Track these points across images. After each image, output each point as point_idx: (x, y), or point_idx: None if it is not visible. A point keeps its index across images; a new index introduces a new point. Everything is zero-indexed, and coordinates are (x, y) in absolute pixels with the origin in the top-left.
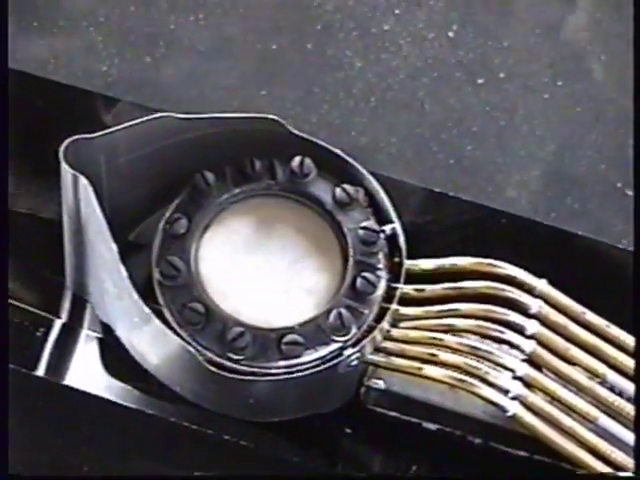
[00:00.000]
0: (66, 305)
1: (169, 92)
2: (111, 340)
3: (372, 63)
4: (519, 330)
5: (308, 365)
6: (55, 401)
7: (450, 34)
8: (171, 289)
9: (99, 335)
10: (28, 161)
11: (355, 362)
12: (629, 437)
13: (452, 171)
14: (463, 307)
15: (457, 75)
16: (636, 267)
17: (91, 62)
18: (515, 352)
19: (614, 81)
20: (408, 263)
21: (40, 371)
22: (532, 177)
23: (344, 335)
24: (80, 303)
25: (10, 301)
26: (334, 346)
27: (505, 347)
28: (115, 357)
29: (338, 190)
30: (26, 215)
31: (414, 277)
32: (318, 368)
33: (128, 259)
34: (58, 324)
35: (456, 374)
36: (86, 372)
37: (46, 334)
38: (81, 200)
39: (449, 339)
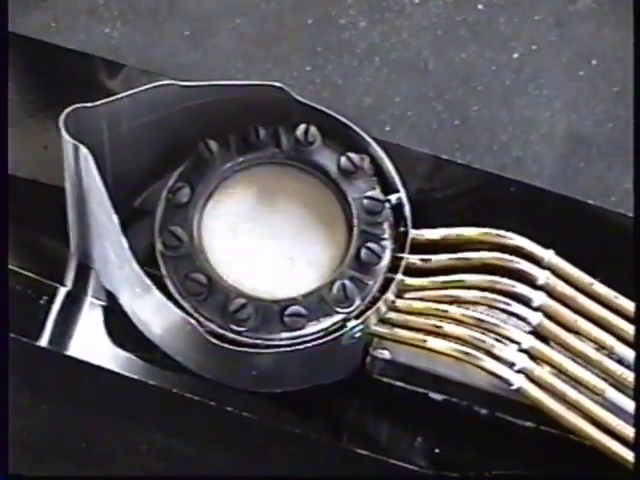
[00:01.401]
0: (70, 272)
1: (172, 55)
2: (116, 308)
3: (376, 22)
4: (526, 302)
5: (311, 337)
6: (58, 371)
7: None
8: (173, 259)
9: (104, 303)
10: (32, 128)
11: (359, 334)
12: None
13: (457, 131)
14: (469, 278)
15: (461, 34)
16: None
17: (93, 25)
18: (521, 324)
19: (621, 39)
20: (413, 233)
21: (44, 340)
22: (538, 136)
23: (348, 307)
24: (84, 270)
25: (13, 268)
26: (337, 317)
27: (511, 319)
28: (119, 326)
29: (343, 158)
30: (30, 182)
31: (419, 247)
32: (321, 340)
33: (132, 226)
34: (62, 292)
35: (461, 347)
36: (90, 341)
37: (50, 302)
38: (82, 169)
39: (454, 310)
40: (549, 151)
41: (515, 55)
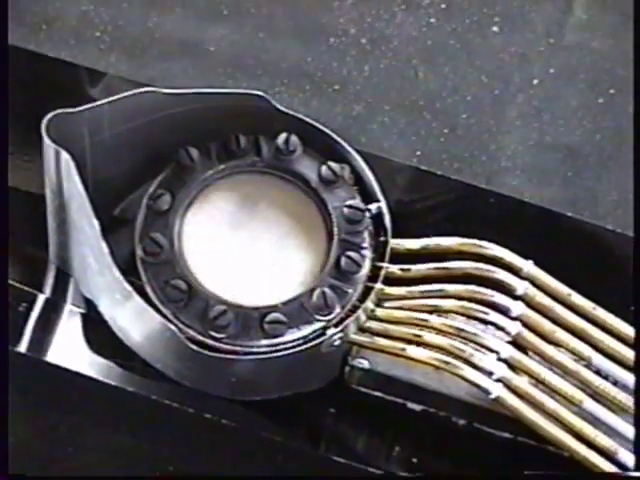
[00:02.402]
0: (49, 280)
1: (162, 59)
2: (95, 316)
3: (366, 30)
4: (504, 311)
5: (291, 344)
6: (37, 377)
7: (443, 3)
8: (153, 266)
9: (82, 311)
10: (11, 135)
11: (338, 342)
12: (614, 421)
13: (446, 140)
14: (448, 288)
15: (451, 43)
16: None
17: (83, 29)
18: (500, 334)
19: (612, 51)
20: (393, 242)
21: (22, 346)
22: (527, 147)
23: (327, 314)
24: (63, 278)
25: None
26: (317, 325)
27: (490, 328)
28: (98, 333)
29: (324, 167)
30: (10, 189)
31: (399, 257)
32: (301, 347)
33: (111, 234)
34: (41, 299)
35: (440, 355)
36: (69, 348)
37: (29, 309)
38: (63, 175)
39: (434, 320)
40: (537, 161)
41: (504, 65)
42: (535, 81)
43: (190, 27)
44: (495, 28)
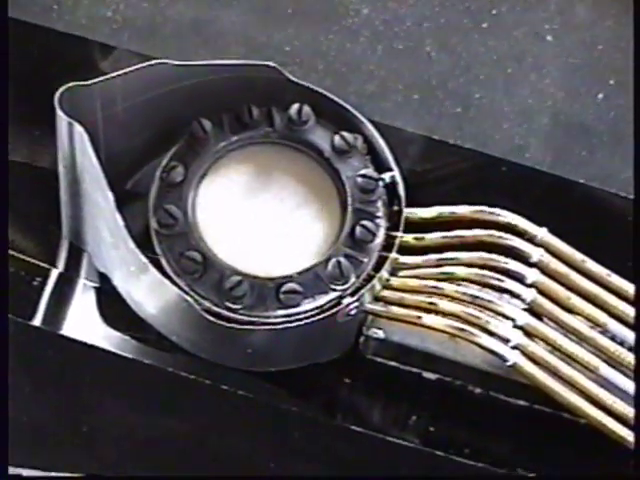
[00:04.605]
0: (63, 254)
1: (174, 38)
2: (108, 289)
3: (379, 10)
4: (519, 279)
5: (306, 314)
6: (52, 351)
7: None
8: (168, 238)
9: (96, 284)
10: (24, 110)
11: (354, 311)
12: (630, 386)
13: (459, 119)
14: (463, 256)
15: (464, 22)
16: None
17: (95, 8)
18: (515, 301)
19: (623, 28)
20: (407, 211)
21: (37, 321)
22: (540, 125)
23: (343, 284)
24: (77, 252)
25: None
26: (333, 295)
27: (505, 296)
28: (112, 306)
29: (337, 137)
30: (22, 164)
31: (413, 225)
32: (316, 317)
33: (125, 208)
34: (55, 274)
35: (456, 323)
36: (83, 322)
37: (43, 284)
38: (77, 148)
39: (449, 288)
40: (551, 140)
41: (517, 44)
42: (548, 60)
43: (202, 7)
44: (507, 7)
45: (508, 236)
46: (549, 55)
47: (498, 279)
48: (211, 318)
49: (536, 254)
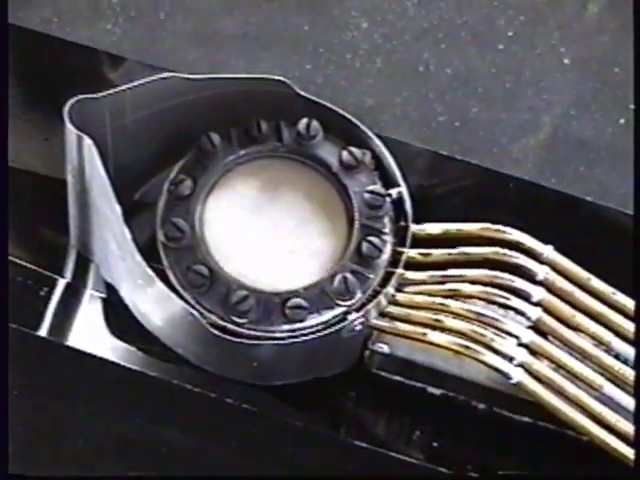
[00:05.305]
0: (70, 264)
1: (174, 52)
2: (115, 300)
3: (378, 24)
4: (525, 297)
5: (312, 329)
6: (57, 361)
7: None
8: (175, 251)
9: (103, 295)
10: (33, 120)
11: (359, 327)
12: (633, 405)
13: (457, 133)
14: (469, 273)
15: (463, 36)
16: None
17: (95, 21)
18: (521, 319)
19: (622, 44)
20: (414, 227)
21: (43, 331)
22: (538, 140)
23: (349, 299)
24: (84, 263)
25: (13, 259)
26: (338, 310)
27: (511, 314)
28: (119, 318)
29: (344, 153)
30: (31, 174)
31: (420, 241)
32: (322, 332)
33: (132, 219)
34: (62, 283)
35: (461, 340)
36: (89, 332)
37: (49, 293)
38: (85, 160)
39: (454, 305)
40: (549, 155)
41: (515, 58)
42: (546, 74)
43: (202, 21)
44: (506, 21)
45: (514, 254)
46: (547, 70)
47: (504, 297)
48: (217, 332)
49: (542, 272)
